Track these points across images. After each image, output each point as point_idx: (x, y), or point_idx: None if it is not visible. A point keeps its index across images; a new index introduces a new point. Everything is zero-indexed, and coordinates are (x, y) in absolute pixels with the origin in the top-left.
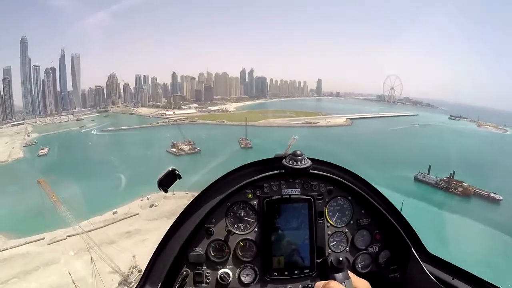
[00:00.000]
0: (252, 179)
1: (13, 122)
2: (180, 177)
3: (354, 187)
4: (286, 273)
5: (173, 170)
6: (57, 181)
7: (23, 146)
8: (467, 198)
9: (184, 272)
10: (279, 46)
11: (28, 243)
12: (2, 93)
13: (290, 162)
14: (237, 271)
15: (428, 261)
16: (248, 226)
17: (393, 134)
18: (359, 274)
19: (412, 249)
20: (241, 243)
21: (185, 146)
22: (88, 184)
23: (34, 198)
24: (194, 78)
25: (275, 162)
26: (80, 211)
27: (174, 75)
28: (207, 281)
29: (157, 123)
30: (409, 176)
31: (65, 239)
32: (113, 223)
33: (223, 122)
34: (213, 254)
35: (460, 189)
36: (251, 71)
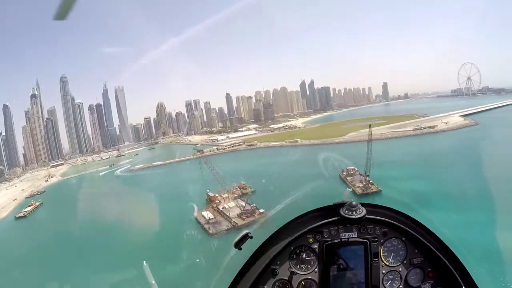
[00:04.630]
0: (312, 226)
1: (56, 162)
2: (251, 237)
3: (408, 228)
4: None
5: (247, 234)
6: None
7: (25, 197)
8: None
9: None
10: (338, 52)
11: None
12: (44, 133)
13: (347, 212)
14: None
15: None
16: (309, 267)
17: None
18: None
19: (463, 287)
20: (302, 282)
21: (230, 204)
22: None
23: None
24: (250, 97)
25: (333, 209)
26: None
27: (228, 97)
28: None
29: (203, 152)
30: None
31: None
32: None
33: (296, 142)
34: None
35: None
36: (312, 83)
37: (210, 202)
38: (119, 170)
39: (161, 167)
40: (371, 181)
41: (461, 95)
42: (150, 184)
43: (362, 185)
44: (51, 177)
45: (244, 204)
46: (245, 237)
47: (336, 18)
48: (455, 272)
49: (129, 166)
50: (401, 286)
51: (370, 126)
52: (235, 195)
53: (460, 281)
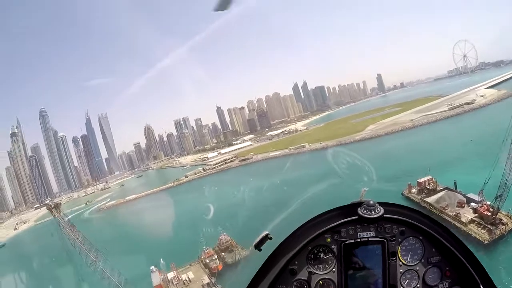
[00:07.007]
0: (330, 226)
1: (39, 204)
2: (271, 238)
3: (425, 227)
4: None
5: (267, 235)
6: None
7: None
8: None
9: None
10: (327, 49)
11: None
12: (30, 173)
13: (365, 211)
14: None
15: None
16: (327, 266)
17: None
18: None
19: (481, 286)
20: (320, 281)
21: None
22: None
23: None
24: (242, 108)
25: (351, 208)
26: None
27: (219, 110)
28: None
29: (186, 177)
30: None
31: None
32: None
33: (303, 147)
34: None
35: None
36: (305, 84)
37: None
38: (88, 211)
39: (134, 202)
40: (496, 206)
41: (459, 74)
42: (103, 235)
43: (477, 216)
44: (24, 223)
45: None
46: (265, 238)
47: (322, 14)
48: (473, 271)
49: (103, 203)
50: (418, 285)
51: None
52: (207, 273)
53: (478, 280)
